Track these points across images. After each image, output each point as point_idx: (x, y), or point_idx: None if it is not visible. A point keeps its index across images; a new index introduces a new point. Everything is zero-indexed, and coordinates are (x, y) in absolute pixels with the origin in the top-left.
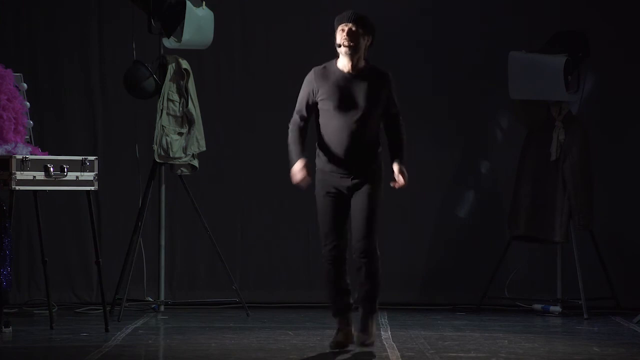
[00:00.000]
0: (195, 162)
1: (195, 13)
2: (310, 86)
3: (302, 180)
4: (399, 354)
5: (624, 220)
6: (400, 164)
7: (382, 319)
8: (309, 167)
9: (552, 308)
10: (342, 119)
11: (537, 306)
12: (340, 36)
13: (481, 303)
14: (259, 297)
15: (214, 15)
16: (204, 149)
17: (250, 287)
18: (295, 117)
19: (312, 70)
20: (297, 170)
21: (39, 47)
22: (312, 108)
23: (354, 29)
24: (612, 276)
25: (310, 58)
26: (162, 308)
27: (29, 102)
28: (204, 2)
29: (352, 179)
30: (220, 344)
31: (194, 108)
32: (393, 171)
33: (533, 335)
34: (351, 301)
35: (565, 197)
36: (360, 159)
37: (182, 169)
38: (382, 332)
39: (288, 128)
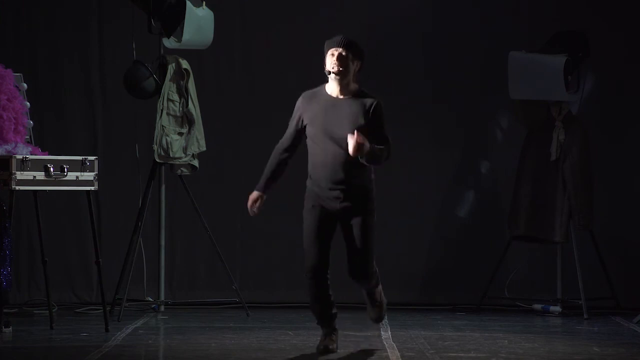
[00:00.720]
0: (196, 162)
1: (195, 13)
2: (299, 112)
3: (250, 210)
4: (399, 354)
5: (624, 220)
6: (366, 140)
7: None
8: (262, 203)
9: (552, 308)
10: (327, 143)
11: (537, 306)
12: (330, 61)
13: (481, 303)
14: (259, 297)
15: (214, 15)
16: (204, 149)
17: (250, 287)
18: (282, 141)
19: (302, 95)
20: (251, 199)
21: (39, 47)
22: (301, 133)
23: (343, 53)
24: (612, 276)
25: (310, 58)
26: (162, 308)
27: (29, 102)
28: (204, 2)
29: (340, 202)
30: (220, 344)
31: (194, 108)
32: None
33: (533, 335)
34: (334, 311)
35: (565, 197)
36: (348, 183)
37: (182, 169)
38: (382, 332)
39: (283, 135)
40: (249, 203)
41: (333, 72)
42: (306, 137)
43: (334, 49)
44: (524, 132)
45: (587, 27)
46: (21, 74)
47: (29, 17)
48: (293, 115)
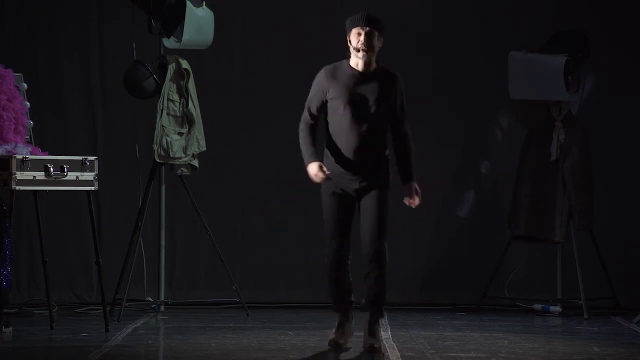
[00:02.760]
0: (196, 162)
1: (195, 13)
2: (321, 85)
3: (323, 180)
4: (399, 354)
5: (624, 220)
6: (413, 181)
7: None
8: (323, 167)
9: (552, 308)
10: (351, 119)
11: (537, 306)
12: (356, 40)
13: (481, 303)
14: (259, 297)
15: (214, 15)
16: (204, 149)
17: (250, 287)
18: (306, 115)
19: (323, 69)
20: (315, 172)
21: (39, 47)
22: (322, 107)
23: (370, 32)
24: (612, 276)
25: (310, 58)
26: (162, 308)
27: (29, 102)
28: (204, 2)
29: (359, 182)
30: (220, 344)
31: (194, 108)
32: (407, 190)
33: (533, 335)
34: (353, 299)
35: (565, 197)
36: (368, 161)
37: (182, 169)
38: (382, 332)
39: (298, 128)
40: (316, 172)
41: (362, 51)
42: (320, 113)
43: (359, 27)
44: (524, 132)
45: (587, 27)
46: (21, 74)
47: (29, 17)
48: (314, 90)
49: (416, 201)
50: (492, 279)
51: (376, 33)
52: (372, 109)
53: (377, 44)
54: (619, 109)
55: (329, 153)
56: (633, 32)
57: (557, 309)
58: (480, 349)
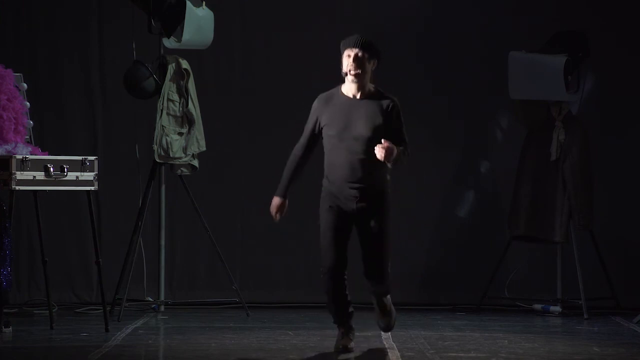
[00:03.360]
0: (195, 162)
1: (195, 13)
2: (316, 114)
3: (275, 216)
4: (399, 354)
5: (624, 220)
6: (392, 144)
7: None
8: (284, 208)
9: (552, 308)
10: (344, 144)
11: (537, 306)
12: (347, 62)
13: (481, 303)
14: (259, 297)
15: (214, 15)
16: (204, 149)
17: (250, 287)
18: (299, 145)
19: (318, 97)
20: (275, 206)
21: (39, 47)
22: (318, 136)
23: (360, 54)
24: (612, 276)
25: (310, 58)
26: (162, 308)
27: (29, 102)
28: (204, 2)
29: (357, 202)
30: (220, 344)
31: (194, 108)
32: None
33: (533, 335)
34: (351, 310)
35: (565, 197)
36: (365, 182)
37: (182, 169)
38: (382, 332)
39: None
40: (273, 210)
41: (351, 75)
42: (322, 139)
43: (349, 49)
44: (524, 132)
45: (587, 27)
46: (21, 74)
47: (29, 17)
48: (309, 119)
49: (380, 151)
50: (492, 279)
51: (366, 55)
52: (366, 133)
53: (369, 67)
54: (619, 109)
55: (328, 175)
56: (633, 32)
57: (557, 309)
58: (480, 349)
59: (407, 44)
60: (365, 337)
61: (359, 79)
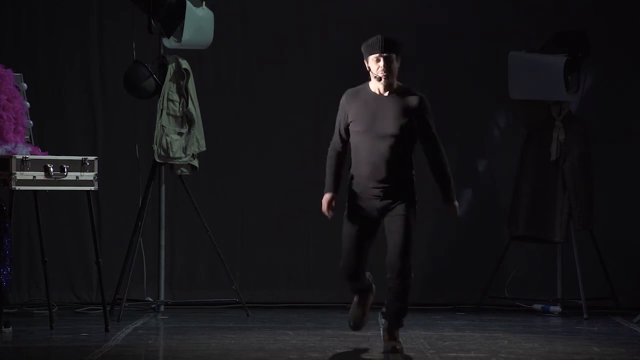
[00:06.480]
0: (195, 162)
1: (195, 13)
2: (343, 109)
3: (327, 212)
4: (399, 354)
5: (624, 220)
6: (453, 201)
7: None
8: (336, 202)
9: (552, 308)
10: (371, 140)
11: (537, 306)
12: (376, 66)
13: (481, 303)
14: (259, 297)
15: (214, 15)
16: (204, 149)
17: (250, 287)
18: (334, 141)
19: (345, 92)
20: (326, 201)
21: (39, 47)
22: (347, 131)
23: (388, 57)
24: (612, 276)
25: (311, 58)
26: (162, 308)
27: (29, 102)
28: (204, 2)
29: (381, 200)
30: (220, 344)
31: (194, 108)
32: (449, 209)
33: (533, 335)
34: (372, 284)
35: (565, 197)
36: (391, 181)
37: (182, 169)
38: (382, 332)
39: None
40: (325, 206)
41: (384, 79)
42: (349, 136)
43: (377, 54)
44: (524, 132)
45: (587, 27)
46: (21, 74)
47: (29, 17)
48: (338, 113)
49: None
50: (492, 279)
51: (394, 56)
52: (392, 131)
53: (397, 65)
54: (618, 109)
55: (354, 173)
56: (633, 32)
57: (557, 309)
58: (480, 349)
59: (407, 44)
60: (365, 337)
61: (392, 79)
